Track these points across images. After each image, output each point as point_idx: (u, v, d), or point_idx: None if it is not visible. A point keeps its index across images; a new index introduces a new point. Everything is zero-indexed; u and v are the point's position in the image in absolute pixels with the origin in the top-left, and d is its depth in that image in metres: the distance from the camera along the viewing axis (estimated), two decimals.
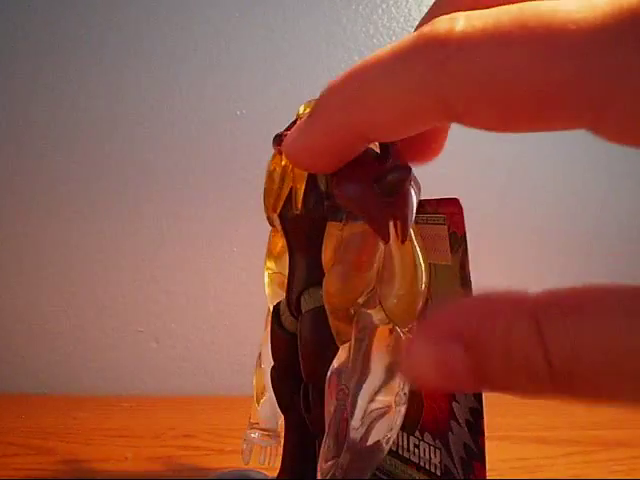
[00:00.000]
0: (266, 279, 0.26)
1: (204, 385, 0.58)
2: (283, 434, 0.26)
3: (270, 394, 0.26)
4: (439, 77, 0.12)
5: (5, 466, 0.36)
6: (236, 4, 0.59)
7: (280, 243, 0.25)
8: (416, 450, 0.26)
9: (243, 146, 0.59)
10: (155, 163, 0.58)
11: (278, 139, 0.22)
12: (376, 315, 0.19)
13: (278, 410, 0.26)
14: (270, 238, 0.26)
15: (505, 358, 0.11)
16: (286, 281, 0.24)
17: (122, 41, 0.57)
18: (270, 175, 0.23)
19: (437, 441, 0.24)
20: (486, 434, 0.22)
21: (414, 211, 0.18)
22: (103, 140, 0.57)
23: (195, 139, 0.58)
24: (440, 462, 0.24)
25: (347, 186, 0.17)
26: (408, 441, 0.26)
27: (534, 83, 0.11)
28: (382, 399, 0.19)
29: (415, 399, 0.25)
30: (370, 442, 0.19)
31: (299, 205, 0.22)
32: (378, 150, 0.18)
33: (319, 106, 0.15)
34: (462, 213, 0.22)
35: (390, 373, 0.19)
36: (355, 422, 0.19)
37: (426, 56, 0.12)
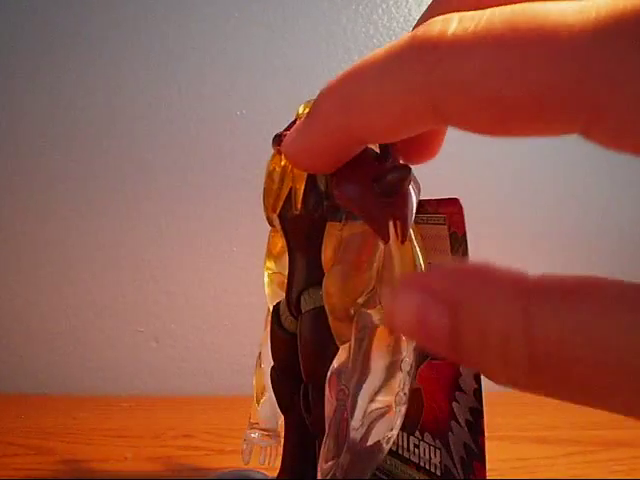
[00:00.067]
0: (266, 279, 0.26)
1: (204, 385, 0.58)
2: (283, 434, 0.26)
3: (270, 394, 0.26)
4: (430, 81, 0.12)
5: (5, 466, 0.36)
6: (236, 3, 0.59)
7: (280, 243, 0.25)
8: (416, 450, 0.26)
9: (243, 146, 0.59)
10: (154, 162, 0.58)
11: (278, 139, 0.22)
12: (376, 315, 0.19)
13: (278, 410, 0.26)
14: (270, 238, 0.26)
15: (484, 334, 0.11)
16: (286, 281, 0.24)
17: (121, 39, 0.57)
18: (270, 175, 0.23)
19: (437, 441, 0.24)
20: (486, 434, 0.22)
21: (414, 211, 0.18)
22: (102, 139, 0.57)
23: (195, 139, 0.58)
24: (440, 462, 0.24)
25: (347, 186, 0.17)
26: (408, 441, 0.26)
27: (524, 87, 0.11)
28: (382, 399, 0.19)
29: (415, 399, 0.25)
30: (370, 442, 0.19)
31: (299, 205, 0.21)
32: (378, 150, 0.18)
33: (316, 108, 0.15)
34: (462, 213, 0.22)
35: (390, 373, 0.19)
36: (355, 422, 0.19)
37: (418, 59, 0.12)
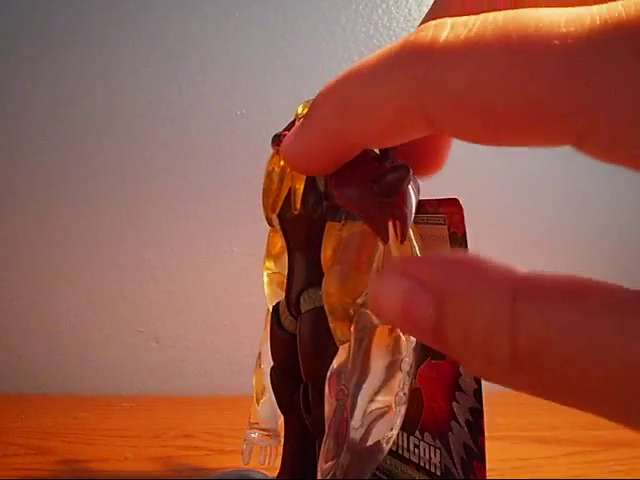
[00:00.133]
0: (265, 279, 0.26)
1: (204, 385, 0.58)
2: (283, 434, 0.26)
3: (270, 394, 0.26)
4: (422, 88, 0.12)
5: (5, 466, 0.36)
6: (236, 3, 0.59)
7: (279, 243, 0.25)
8: (416, 450, 0.26)
9: (243, 145, 0.59)
10: (154, 162, 0.58)
11: (277, 139, 0.22)
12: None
13: (278, 410, 0.26)
14: (269, 238, 0.26)
15: (468, 328, 0.11)
16: (285, 281, 0.24)
17: (121, 38, 0.57)
18: (269, 175, 0.23)
19: (437, 441, 0.24)
20: (486, 434, 0.22)
21: (413, 211, 0.17)
22: (102, 137, 0.57)
23: (195, 138, 0.58)
24: (440, 462, 0.24)
25: (346, 186, 0.17)
26: (408, 441, 0.26)
27: (513, 98, 0.11)
28: (382, 399, 0.19)
29: (415, 399, 0.25)
30: (370, 442, 0.19)
31: (298, 205, 0.21)
32: (377, 150, 0.18)
33: (313, 111, 0.15)
34: (462, 213, 0.22)
35: (390, 373, 0.19)
36: (355, 422, 0.19)
37: (410, 66, 0.12)
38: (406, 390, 0.19)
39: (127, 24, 0.57)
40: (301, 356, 0.23)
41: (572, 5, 0.11)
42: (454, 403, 0.23)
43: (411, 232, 0.18)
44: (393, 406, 0.19)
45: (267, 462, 0.30)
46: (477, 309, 0.11)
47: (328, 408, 0.20)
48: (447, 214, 0.22)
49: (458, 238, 0.22)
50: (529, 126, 0.11)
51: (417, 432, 0.26)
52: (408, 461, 0.26)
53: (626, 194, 0.72)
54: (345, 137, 0.14)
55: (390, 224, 0.17)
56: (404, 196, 0.17)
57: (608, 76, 0.10)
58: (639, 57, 0.10)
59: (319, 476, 0.19)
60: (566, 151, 0.12)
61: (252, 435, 0.29)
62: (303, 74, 0.60)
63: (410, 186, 0.17)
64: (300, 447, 0.25)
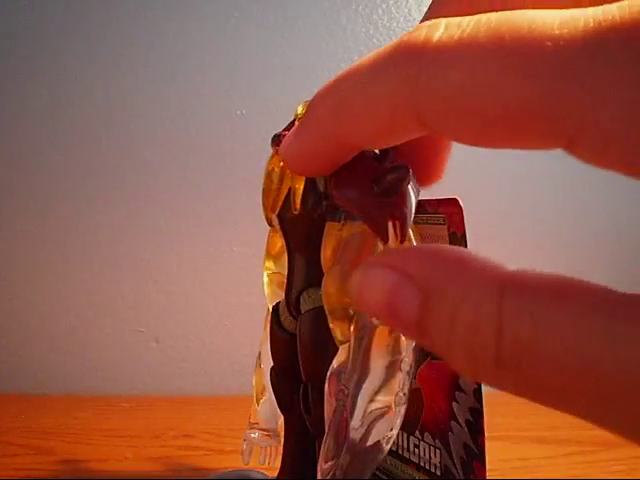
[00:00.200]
0: (265, 279, 0.26)
1: (204, 385, 0.58)
2: (283, 434, 0.26)
3: (270, 394, 0.26)
4: (414, 89, 0.12)
5: (5, 466, 0.36)
6: (236, 3, 0.59)
7: (279, 243, 0.25)
8: (416, 450, 0.26)
9: (243, 145, 0.59)
10: (154, 161, 0.58)
11: (277, 139, 0.22)
12: None
13: (278, 410, 0.26)
14: (269, 238, 0.26)
15: (452, 325, 0.11)
16: (285, 281, 0.24)
17: (120, 38, 0.57)
18: (269, 175, 0.23)
19: (437, 441, 0.24)
20: (486, 434, 0.22)
21: (413, 211, 0.17)
22: (101, 137, 0.57)
23: (195, 138, 0.58)
24: (440, 462, 0.24)
25: (345, 187, 0.17)
26: (408, 441, 0.26)
27: (504, 100, 0.11)
28: (382, 399, 0.19)
29: (415, 399, 0.25)
30: (370, 442, 0.19)
31: (298, 205, 0.21)
32: (377, 150, 0.18)
33: (310, 112, 0.15)
34: (462, 213, 0.22)
35: (390, 373, 0.19)
36: (355, 422, 0.18)
37: (403, 66, 0.12)
38: (406, 390, 0.19)
39: (126, 24, 0.57)
40: (301, 356, 0.23)
41: (568, 7, 0.11)
42: (454, 403, 0.23)
43: (411, 232, 0.18)
44: (393, 406, 0.19)
45: (267, 462, 0.30)
46: (463, 305, 0.11)
47: (328, 408, 0.20)
48: (447, 214, 0.22)
49: (458, 238, 0.22)
50: (520, 128, 0.11)
51: (417, 432, 0.26)
52: (408, 461, 0.26)
53: (625, 196, 0.72)
54: (341, 138, 0.14)
55: (390, 224, 0.17)
56: (404, 196, 0.17)
57: (601, 79, 0.10)
58: (632, 60, 0.09)
59: (319, 476, 0.19)
60: (565, 153, 0.11)
61: (252, 435, 0.29)
62: (303, 74, 0.60)
63: (410, 186, 0.17)
64: (300, 447, 0.25)
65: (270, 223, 0.24)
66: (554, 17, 0.10)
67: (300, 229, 0.22)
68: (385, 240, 0.17)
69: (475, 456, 0.22)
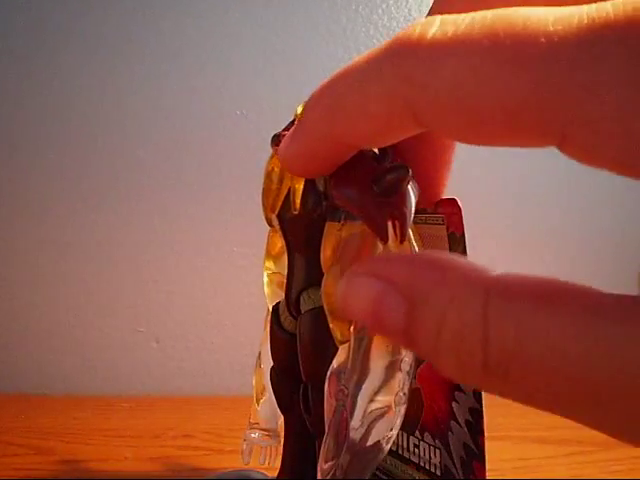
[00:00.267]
0: (265, 279, 0.26)
1: (204, 385, 0.58)
2: (283, 434, 0.26)
3: (270, 394, 0.26)
4: (407, 85, 0.12)
5: (5, 466, 0.36)
6: (235, 3, 0.59)
7: (279, 243, 0.25)
8: (416, 450, 0.26)
9: (242, 145, 0.59)
10: (153, 162, 0.58)
11: (276, 139, 0.22)
12: None
13: (278, 410, 0.26)
14: (269, 238, 0.26)
15: (439, 332, 0.11)
16: (285, 281, 0.24)
17: (117, 36, 0.57)
18: (268, 175, 0.23)
19: (437, 441, 0.24)
20: (486, 434, 0.22)
21: (412, 211, 0.17)
22: (97, 137, 0.57)
23: (194, 138, 0.58)
24: (440, 462, 0.24)
25: (345, 187, 0.17)
26: (408, 441, 0.26)
27: (496, 97, 0.11)
28: (382, 399, 0.19)
29: (415, 399, 0.25)
30: (370, 442, 0.19)
31: (297, 205, 0.21)
32: (376, 150, 0.18)
33: (306, 113, 0.15)
34: (461, 213, 0.22)
35: (390, 373, 0.19)
36: (355, 422, 0.19)
37: (396, 63, 0.12)
38: (406, 390, 0.19)
39: (123, 23, 0.57)
40: (301, 356, 0.23)
41: (566, 4, 0.11)
42: (454, 403, 0.23)
43: (410, 232, 0.18)
44: (393, 406, 0.19)
45: (267, 462, 0.30)
46: (448, 313, 0.11)
47: (328, 408, 0.20)
48: (446, 214, 0.22)
49: (457, 238, 0.22)
50: (514, 124, 0.11)
51: (417, 432, 0.26)
52: (408, 461, 0.26)
53: (629, 195, 0.72)
54: (338, 138, 0.14)
55: (389, 224, 0.17)
56: (403, 196, 0.17)
57: (594, 75, 0.10)
58: (626, 57, 0.09)
59: (319, 476, 0.19)
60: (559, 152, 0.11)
61: (252, 435, 0.29)
62: (303, 74, 0.60)
63: (409, 186, 0.17)
64: (300, 447, 0.25)
65: (270, 223, 0.24)
66: (549, 14, 0.10)
67: (300, 229, 0.22)
68: (385, 240, 0.17)
69: (475, 456, 0.22)
